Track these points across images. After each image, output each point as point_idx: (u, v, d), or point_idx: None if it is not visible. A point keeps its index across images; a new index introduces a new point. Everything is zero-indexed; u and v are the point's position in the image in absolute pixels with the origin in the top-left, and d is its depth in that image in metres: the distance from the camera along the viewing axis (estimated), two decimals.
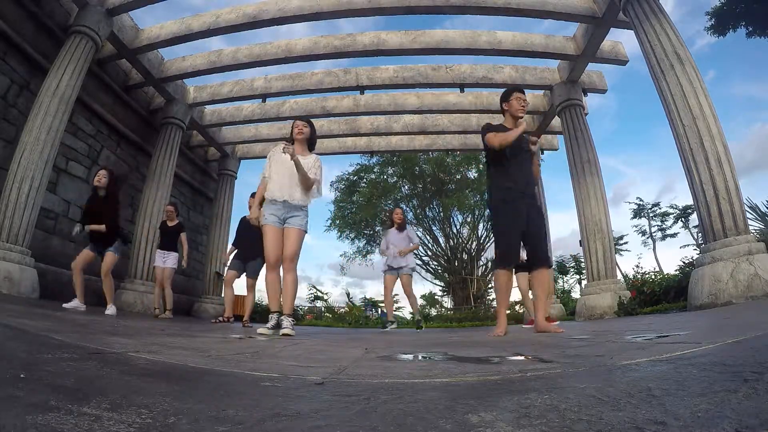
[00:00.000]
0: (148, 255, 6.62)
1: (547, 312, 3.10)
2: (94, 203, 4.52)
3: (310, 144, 3.51)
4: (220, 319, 5.58)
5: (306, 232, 3.34)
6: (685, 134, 4.23)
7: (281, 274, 3.33)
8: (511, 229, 3.03)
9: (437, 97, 8.24)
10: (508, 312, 3.23)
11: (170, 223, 5.94)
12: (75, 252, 6.02)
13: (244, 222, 5.71)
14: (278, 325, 3.26)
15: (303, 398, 0.81)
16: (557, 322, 5.29)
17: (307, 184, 3.27)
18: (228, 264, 5.65)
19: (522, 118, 3.24)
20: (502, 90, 3.45)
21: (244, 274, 5.51)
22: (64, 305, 4.11)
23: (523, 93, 3.29)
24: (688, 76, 4.32)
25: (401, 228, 5.66)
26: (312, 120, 3.64)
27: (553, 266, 5.78)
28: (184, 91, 7.97)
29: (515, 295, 5.88)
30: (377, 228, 17.19)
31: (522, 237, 3.07)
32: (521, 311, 9.33)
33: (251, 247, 5.22)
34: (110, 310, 4.35)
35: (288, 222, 3.26)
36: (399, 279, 5.58)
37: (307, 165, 3.28)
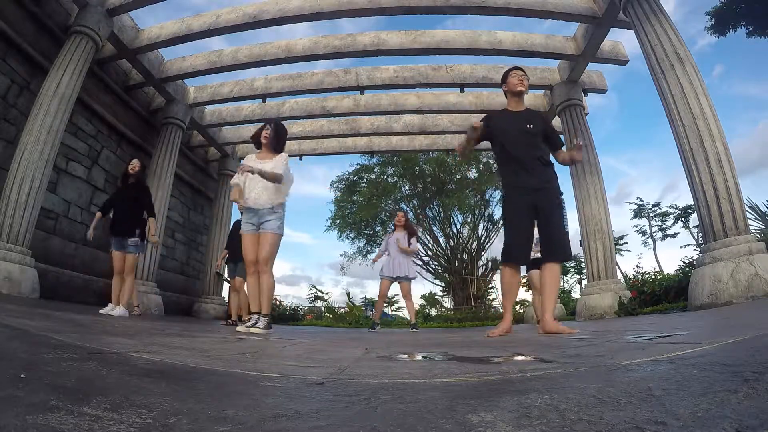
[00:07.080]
0: (147, 255, 6.61)
1: (553, 312, 2.85)
2: (129, 191, 4.58)
3: (278, 146, 3.60)
4: (230, 321, 5.65)
5: (281, 235, 3.43)
6: (686, 134, 4.23)
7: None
8: (513, 224, 2.83)
9: (437, 97, 8.23)
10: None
11: None
12: (75, 252, 6.05)
13: (236, 225, 5.76)
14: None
15: (303, 398, 0.81)
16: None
17: (274, 180, 3.31)
18: (226, 270, 5.62)
19: (521, 93, 2.99)
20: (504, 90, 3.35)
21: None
22: (108, 312, 4.03)
23: (521, 69, 3.06)
24: (689, 76, 4.32)
25: (405, 232, 5.56)
26: (279, 123, 3.82)
27: (572, 262, 5.67)
28: (184, 92, 7.97)
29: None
30: (377, 228, 17.20)
31: (536, 228, 2.84)
32: (521, 311, 9.30)
33: (240, 249, 5.27)
34: (119, 311, 4.08)
35: (262, 227, 3.37)
36: (399, 285, 5.49)
37: (270, 165, 3.39)
